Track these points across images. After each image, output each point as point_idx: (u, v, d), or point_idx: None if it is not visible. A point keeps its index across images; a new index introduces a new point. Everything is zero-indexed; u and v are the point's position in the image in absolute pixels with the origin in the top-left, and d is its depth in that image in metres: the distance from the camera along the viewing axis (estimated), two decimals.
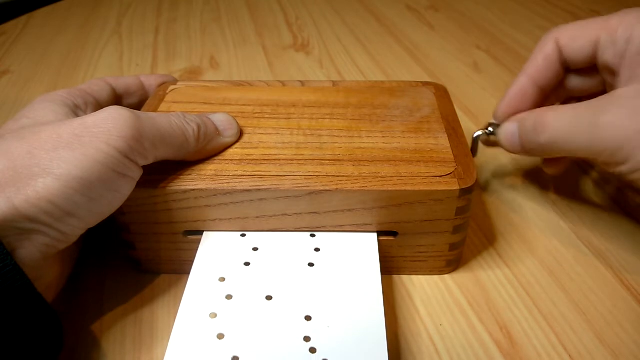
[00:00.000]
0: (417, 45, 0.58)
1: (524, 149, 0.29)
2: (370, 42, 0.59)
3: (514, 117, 0.30)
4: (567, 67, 0.30)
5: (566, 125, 0.27)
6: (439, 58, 0.55)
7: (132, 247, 0.29)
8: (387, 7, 0.69)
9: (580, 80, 0.31)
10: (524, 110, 0.30)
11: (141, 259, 0.30)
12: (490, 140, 0.32)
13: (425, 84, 0.35)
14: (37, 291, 0.21)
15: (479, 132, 0.32)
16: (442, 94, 0.33)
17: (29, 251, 0.21)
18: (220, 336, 0.23)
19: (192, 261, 0.27)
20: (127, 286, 0.30)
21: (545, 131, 0.27)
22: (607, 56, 0.27)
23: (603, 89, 0.30)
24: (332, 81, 0.35)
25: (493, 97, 0.48)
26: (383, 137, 0.29)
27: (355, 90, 0.34)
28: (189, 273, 0.26)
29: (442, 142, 0.29)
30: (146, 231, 0.28)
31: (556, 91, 0.31)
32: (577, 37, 0.29)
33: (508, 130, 0.30)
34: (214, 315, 0.24)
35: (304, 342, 0.23)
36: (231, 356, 0.23)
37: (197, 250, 0.27)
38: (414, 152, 0.28)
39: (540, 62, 0.30)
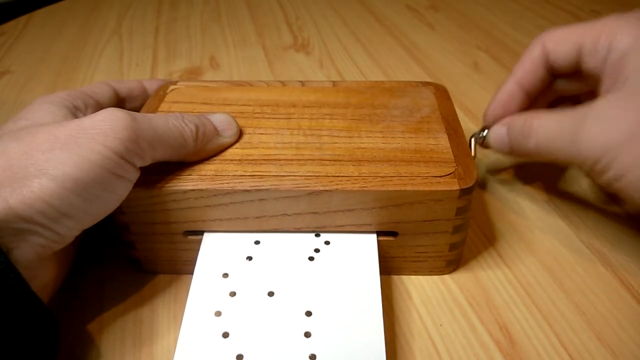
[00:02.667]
0: (417, 45, 0.58)
1: (513, 152, 0.30)
2: (370, 42, 0.59)
3: (503, 120, 0.31)
4: (553, 72, 0.30)
5: (550, 133, 0.27)
6: (439, 58, 0.55)
7: (132, 247, 0.29)
8: (387, 7, 0.69)
9: (568, 83, 0.31)
10: (512, 113, 0.31)
11: (141, 258, 0.30)
12: (485, 143, 0.33)
13: (425, 84, 0.35)
14: (32, 290, 0.21)
15: (475, 134, 0.33)
16: (442, 94, 0.33)
17: (23, 251, 0.21)
18: (225, 335, 0.23)
19: (192, 261, 0.27)
20: (126, 286, 0.30)
21: (531, 137, 0.28)
22: (590, 63, 0.28)
23: (591, 90, 0.30)
24: (332, 81, 0.35)
25: None
26: (383, 137, 0.29)
27: (355, 90, 0.34)
28: (188, 273, 0.26)
29: (442, 142, 0.29)
30: (146, 231, 0.28)
31: (545, 92, 0.31)
32: (562, 43, 0.29)
33: (497, 133, 0.31)
34: (218, 314, 0.24)
35: (304, 341, 0.23)
36: (236, 354, 0.23)
37: (197, 250, 0.27)
38: (414, 152, 0.28)
39: (527, 67, 0.30)
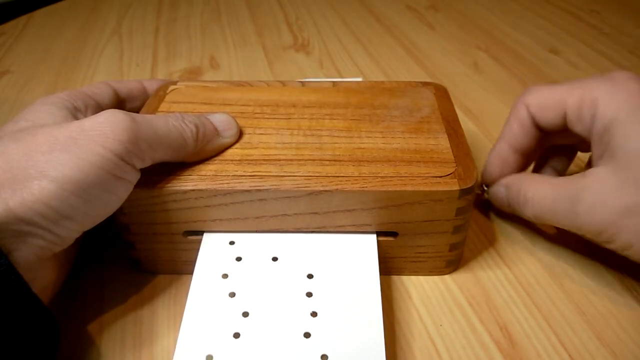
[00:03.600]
0: (417, 45, 0.58)
1: (515, 213, 0.30)
2: (370, 42, 0.59)
3: (501, 181, 0.31)
4: (544, 130, 0.30)
5: (545, 205, 0.28)
6: (439, 58, 0.55)
7: (132, 247, 0.29)
8: (387, 7, 0.69)
9: (561, 136, 0.31)
10: (510, 173, 0.31)
11: (141, 259, 0.30)
12: (485, 199, 0.33)
13: (425, 84, 0.35)
14: (32, 291, 0.21)
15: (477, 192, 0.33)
16: (442, 94, 0.33)
17: (24, 253, 0.21)
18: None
19: (192, 261, 0.27)
20: (126, 286, 0.30)
21: (527, 206, 0.29)
22: (577, 129, 0.28)
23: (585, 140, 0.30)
24: (332, 81, 0.35)
25: (493, 97, 0.48)
26: (383, 137, 0.29)
27: (355, 90, 0.34)
28: (188, 273, 0.26)
29: (442, 142, 0.29)
30: (146, 231, 0.28)
31: (540, 145, 0.31)
32: (545, 108, 0.29)
33: (497, 195, 0.31)
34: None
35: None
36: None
37: (197, 250, 0.27)
38: (414, 153, 0.28)
39: (515, 129, 0.30)
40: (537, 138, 0.30)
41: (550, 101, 0.28)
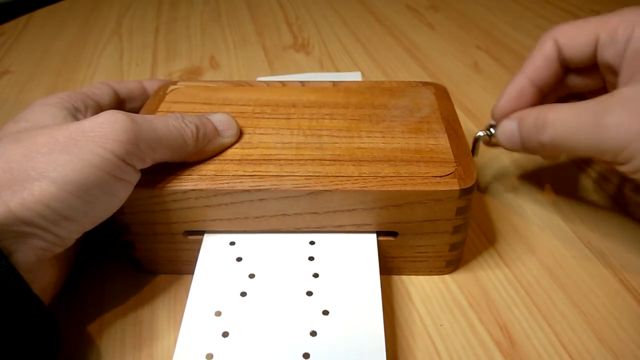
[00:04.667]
0: (417, 45, 0.58)
1: (525, 147, 0.29)
2: (370, 42, 0.59)
3: (513, 114, 0.30)
4: (567, 66, 0.30)
5: (568, 125, 0.26)
6: (439, 58, 0.55)
7: (132, 247, 0.29)
8: (387, 7, 0.69)
9: (580, 78, 0.30)
10: (523, 109, 0.30)
11: (141, 259, 0.30)
12: (492, 142, 0.32)
13: (425, 84, 0.35)
14: (33, 292, 0.21)
15: (481, 133, 0.32)
16: (442, 94, 0.33)
17: (24, 254, 0.21)
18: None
19: (192, 261, 0.27)
20: (126, 286, 0.30)
21: (546, 130, 0.27)
22: (607, 55, 0.27)
23: (603, 86, 0.30)
24: (332, 81, 0.35)
25: (493, 97, 0.48)
26: (383, 137, 0.29)
27: (355, 90, 0.34)
28: (189, 273, 0.26)
29: (442, 142, 0.29)
30: (146, 231, 0.28)
31: (555, 88, 0.31)
32: (576, 36, 0.28)
33: (507, 128, 0.30)
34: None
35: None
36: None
37: (197, 250, 0.27)
38: (414, 152, 0.28)
39: (539, 62, 0.29)
40: (558, 75, 0.30)
41: (583, 29, 0.28)
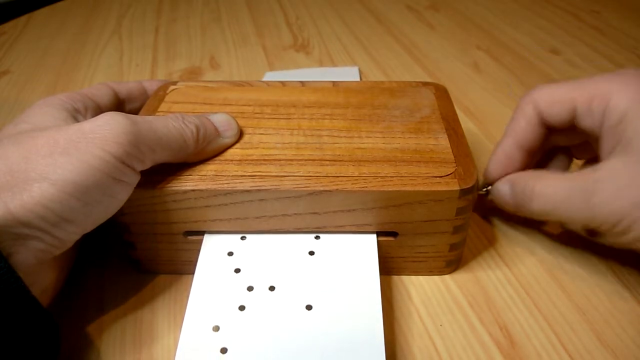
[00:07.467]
0: (417, 45, 0.58)
1: (518, 211, 0.30)
2: (370, 42, 0.59)
3: (505, 178, 0.31)
4: (549, 127, 0.30)
5: (557, 198, 0.27)
6: (439, 58, 0.55)
7: (132, 247, 0.29)
8: (387, 7, 0.69)
9: (564, 136, 0.31)
10: (514, 171, 0.31)
11: (141, 259, 0.30)
12: (488, 200, 0.32)
13: (425, 84, 0.35)
14: (32, 294, 0.21)
15: (478, 188, 0.32)
16: (442, 94, 0.33)
17: (24, 256, 0.21)
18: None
19: (192, 261, 0.27)
20: (126, 286, 0.30)
21: (534, 201, 0.28)
22: (585, 125, 0.28)
23: (586, 140, 0.30)
24: (332, 81, 0.35)
25: (493, 97, 0.48)
26: (383, 137, 0.29)
27: (355, 90, 0.34)
28: (189, 273, 0.26)
29: (442, 142, 0.29)
30: (146, 231, 0.28)
31: (541, 146, 0.31)
32: (554, 104, 0.28)
33: (501, 192, 0.31)
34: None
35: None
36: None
37: (197, 250, 0.27)
38: (414, 153, 0.28)
39: (522, 125, 0.30)
40: (542, 136, 0.30)
41: (559, 96, 0.28)
